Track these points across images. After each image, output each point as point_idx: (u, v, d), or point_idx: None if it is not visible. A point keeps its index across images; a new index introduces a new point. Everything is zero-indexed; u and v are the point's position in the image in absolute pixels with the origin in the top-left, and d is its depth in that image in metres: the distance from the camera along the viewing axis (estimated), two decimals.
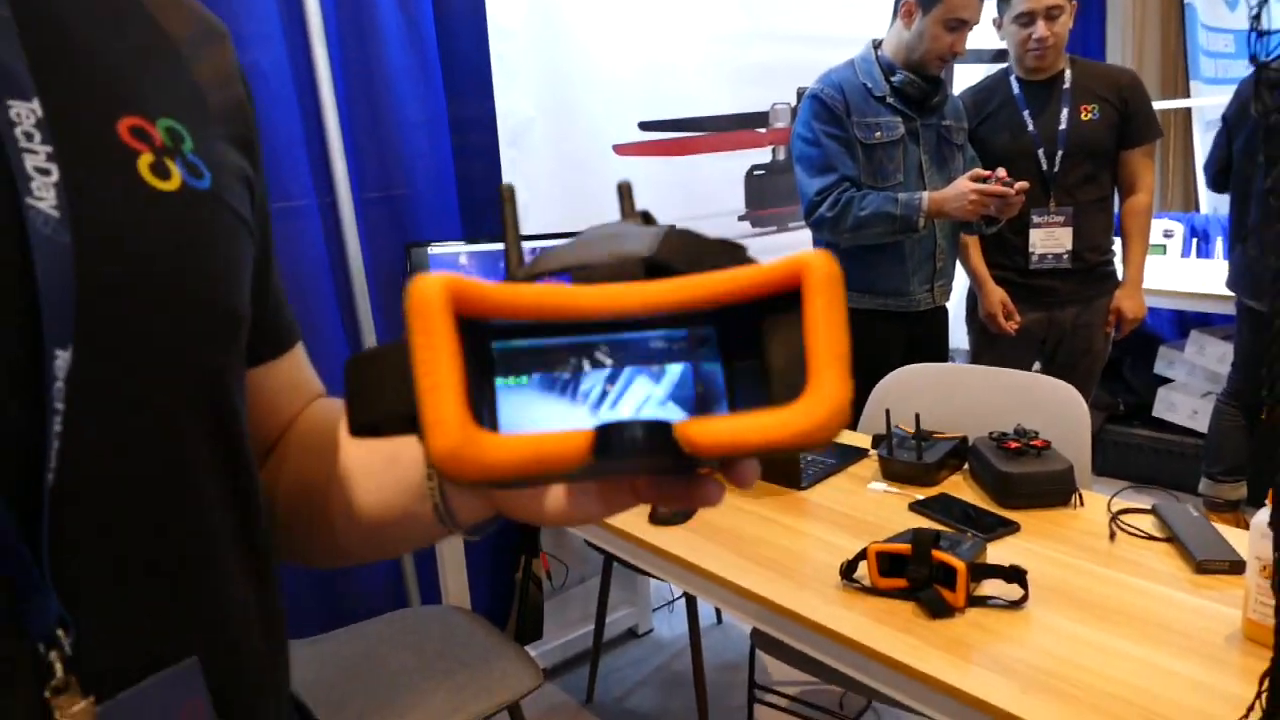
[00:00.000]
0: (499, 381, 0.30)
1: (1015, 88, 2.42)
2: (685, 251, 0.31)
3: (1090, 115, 2.37)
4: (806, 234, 2.51)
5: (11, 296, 0.37)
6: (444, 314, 0.27)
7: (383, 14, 1.97)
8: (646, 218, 0.35)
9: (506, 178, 2.20)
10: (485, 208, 2.23)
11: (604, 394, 0.31)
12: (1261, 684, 0.60)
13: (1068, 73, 2.40)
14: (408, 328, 0.27)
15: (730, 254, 0.31)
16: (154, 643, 0.43)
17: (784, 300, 0.29)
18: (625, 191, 0.36)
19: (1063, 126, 2.37)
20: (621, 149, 2.44)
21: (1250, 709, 0.62)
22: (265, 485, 0.56)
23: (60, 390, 0.37)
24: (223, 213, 0.47)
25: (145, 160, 0.43)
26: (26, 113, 0.39)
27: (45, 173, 0.39)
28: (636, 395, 0.31)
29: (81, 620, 0.39)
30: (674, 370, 0.31)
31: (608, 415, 0.30)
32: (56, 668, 0.39)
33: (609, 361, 0.31)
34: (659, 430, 0.28)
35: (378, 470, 0.51)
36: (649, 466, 0.33)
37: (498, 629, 1.75)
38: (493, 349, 0.30)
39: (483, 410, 0.29)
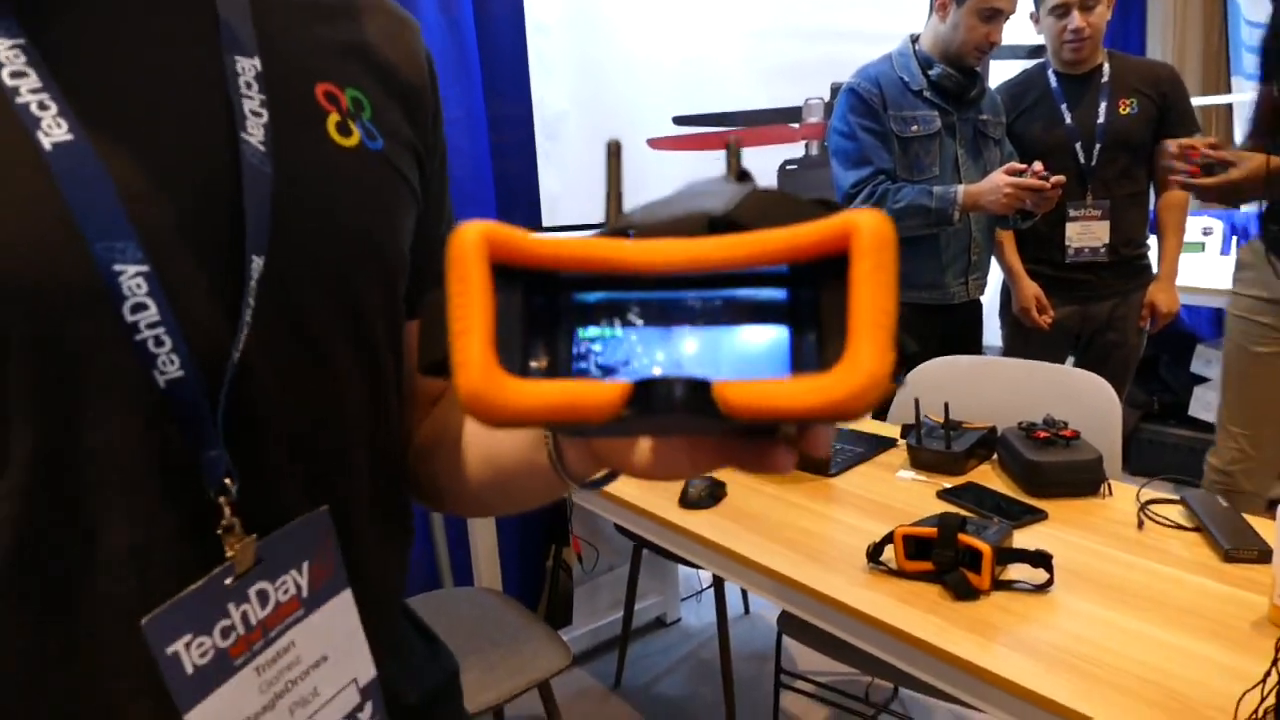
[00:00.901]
0: (580, 332, 0.31)
1: (1053, 81, 2.41)
2: (763, 210, 0.30)
3: (1128, 109, 2.35)
4: None
5: (224, 210, 0.47)
6: (478, 262, 0.28)
7: (424, 13, 2.01)
8: (743, 176, 0.34)
9: (541, 170, 2.24)
10: (520, 198, 2.27)
11: (667, 349, 0.31)
12: (1277, 653, 0.62)
13: (1106, 66, 2.39)
14: (448, 274, 0.28)
15: (816, 212, 0.29)
16: (297, 498, 0.52)
17: (839, 262, 0.28)
18: (732, 150, 0.36)
19: (1100, 120, 2.35)
20: (656, 142, 2.46)
21: (1266, 676, 0.63)
22: (425, 430, 0.63)
23: (253, 289, 0.47)
24: (389, 171, 0.56)
25: (333, 120, 0.53)
26: (248, 66, 0.49)
27: (258, 115, 0.49)
28: (699, 352, 0.31)
29: (244, 473, 0.48)
30: (742, 332, 0.31)
31: (663, 369, 0.31)
32: (225, 510, 0.47)
33: (679, 318, 0.31)
34: (698, 389, 0.27)
35: None
36: (693, 426, 0.32)
37: (529, 609, 1.79)
38: (572, 300, 0.31)
39: (534, 356, 0.30)
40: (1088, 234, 2.38)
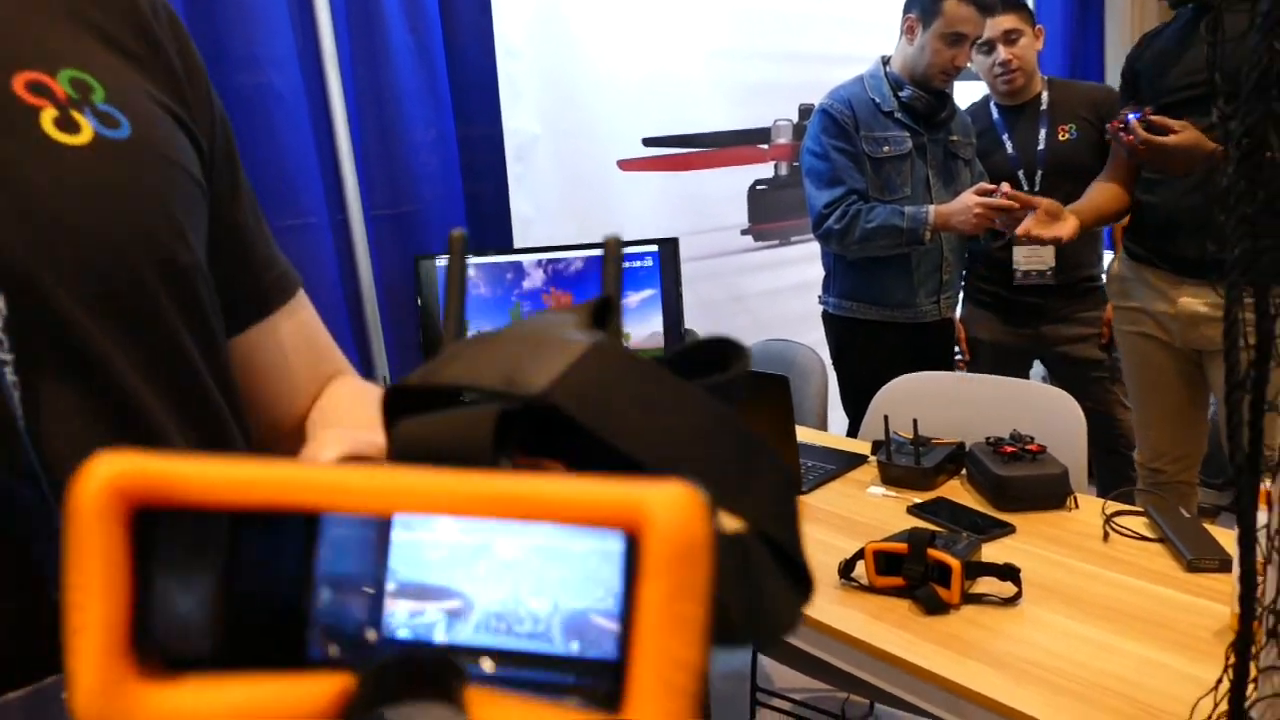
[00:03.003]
0: (322, 590, 0.22)
1: (995, 114, 2.47)
2: (594, 392, 0.21)
3: (1068, 135, 2.38)
4: (808, 248, 2.55)
5: None
6: (101, 522, 0.19)
7: (394, 37, 2.03)
8: (600, 311, 0.26)
9: (513, 193, 2.26)
10: (491, 222, 2.28)
11: (450, 615, 0.21)
12: (1228, 658, 0.63)
13: (1045, 94, 2.43)
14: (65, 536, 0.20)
15: (676, 398, 0.21)
16: None
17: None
18: (610, 245, 0.27)
19: (1040, 147, 2.40)
20: (625, 164, 2.49)
21: (1218, 682, 0.64)
22: None
23: None
24: (147, 160, 0.46)
25: (49, 115, 0.42)
26: None
27: None
28: (485, 622, 0.21)
29: (59, 472, 0.40)
30: (552, 592, 0.21)
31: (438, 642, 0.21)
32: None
33: (467, 566, 0.21)
34: (448, 684, 0.20)
35: None
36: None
37: None
38: (316, 542, 0.22)
39: (239, 636, 0.21)
40: (1034, 257, 2.38)
